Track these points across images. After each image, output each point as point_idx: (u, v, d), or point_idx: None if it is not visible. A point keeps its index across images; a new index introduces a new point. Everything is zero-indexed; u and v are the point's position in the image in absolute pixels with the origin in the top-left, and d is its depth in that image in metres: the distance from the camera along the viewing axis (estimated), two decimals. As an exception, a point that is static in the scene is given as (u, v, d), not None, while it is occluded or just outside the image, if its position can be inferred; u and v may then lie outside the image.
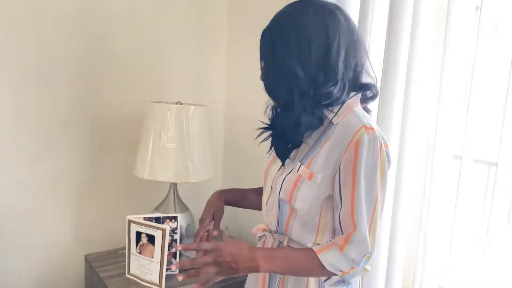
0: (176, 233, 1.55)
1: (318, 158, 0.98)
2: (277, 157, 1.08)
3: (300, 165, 1.00)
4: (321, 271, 0.95)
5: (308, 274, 1.01)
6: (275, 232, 1.11)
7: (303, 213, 1.02)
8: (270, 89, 1.00)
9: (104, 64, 1.77)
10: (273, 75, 0.98)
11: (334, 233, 1.02)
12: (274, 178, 1.08)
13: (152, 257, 1.47)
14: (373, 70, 1.03)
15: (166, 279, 1.38)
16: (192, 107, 1.62)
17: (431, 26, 1.26)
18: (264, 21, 0.99)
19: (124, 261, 1.58)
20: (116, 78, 1.81)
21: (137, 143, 1.69)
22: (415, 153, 1.29)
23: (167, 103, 1.70)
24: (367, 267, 0.97)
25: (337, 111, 0.96)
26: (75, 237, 1.82)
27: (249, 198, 1.29)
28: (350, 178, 0.93)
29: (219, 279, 0.97)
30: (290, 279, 1.06)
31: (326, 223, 1.03)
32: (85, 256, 1.75)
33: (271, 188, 1.10)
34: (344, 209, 0.95)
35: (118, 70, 1.81)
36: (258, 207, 1.23)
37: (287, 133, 0.99)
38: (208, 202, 1.26)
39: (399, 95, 1.31)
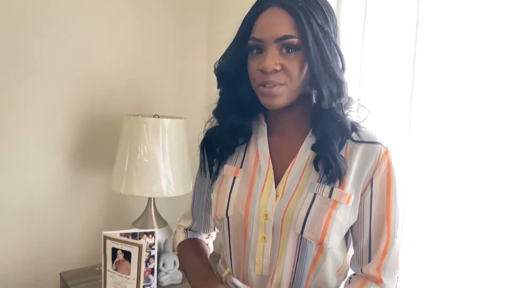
0: (153, 249, 1.52)
1: (349, 174, 0.80)
2: (261, 184, 0.83)
3: (332, 188, 0.78)
4: None
5: None
6: None
7: (335, 252, 0.83)
8: (317, 81, 0.76)
9: (80, 76, 1.75)
10: (323, 61, 0.76)
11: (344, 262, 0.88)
12: (277, 215, 0.80)
13: (129, 274, 1.44)
14: None
15: (142, 297, 1.34)
16: (169, 120, 1.61)
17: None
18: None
19: (101, 279, 1.54)
20: (93, 89, 1.78)
21: (114, 157, 1.66)
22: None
23: (144, 116, 1.68)
24: None
25: None
26: (50, 254, 1.77)
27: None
28: (385, 196, 0.81)
29: None
30: None
31: (345, 258, 0.88)
32: (61, 274, 1.70)
33: (272, 230, 0.81)
34: (377, 229, 0.81)
35: (96, 81, 1.78)
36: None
37: (333, 151, 0.78)
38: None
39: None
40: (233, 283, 0.89)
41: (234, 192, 0.85)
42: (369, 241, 0.83)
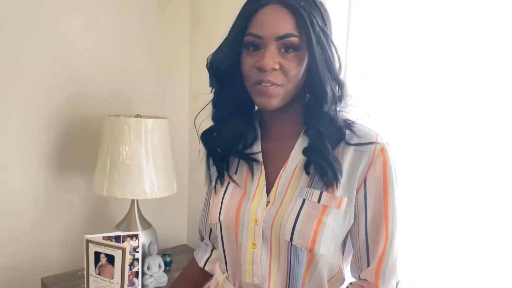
0: (137, 252, 1.50)
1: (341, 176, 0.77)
2: (253, 189, 0.82)
3: (321, 192, 0.76)
4: None
5: None
6: None
7: (328, 258, 0.79)
8: (318, 81, 0.75)
9: (60, 77, 1.70)
10: (326, 62, 0.75)
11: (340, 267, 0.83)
12: (266, 221, 0.78)
13: (112, 278, 1.41)
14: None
15: (127, 301, 1.32)
16: (151, 120, 1.58)
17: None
18: (227, 29, 0.93)
19: (83, 283, 1.51)
20: (73, 90, 1.74)
21: (96, 158, 1.62)
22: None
23: (126, 116, 1.64)
24: None
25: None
26: (31, 259, 1.73)
27: None
28: (381, 195, 0.76)
29: None
30: None
31: (342, 266, 0.84)
32: (42, 279, 1.66)
33: (262, 236, 0.79)
34: (374, 230, 0.77)
35: (76, 81, 1.74)
36: None
37: (327, 154, 0.75)
38: None
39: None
40: None
41: (227, 197, 0.84)
42: (366, 244, 0.79)
